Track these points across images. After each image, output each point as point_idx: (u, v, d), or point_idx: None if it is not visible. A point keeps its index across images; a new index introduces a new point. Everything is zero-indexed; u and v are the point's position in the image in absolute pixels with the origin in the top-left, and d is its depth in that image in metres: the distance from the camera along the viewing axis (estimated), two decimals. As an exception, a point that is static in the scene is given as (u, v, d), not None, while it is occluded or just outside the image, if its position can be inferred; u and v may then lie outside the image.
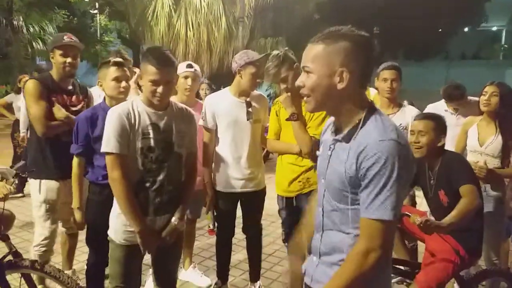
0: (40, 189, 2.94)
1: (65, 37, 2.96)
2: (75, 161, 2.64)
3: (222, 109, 3.00)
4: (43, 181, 2.95)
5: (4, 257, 2.30)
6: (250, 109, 2.96)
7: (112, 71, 2.62)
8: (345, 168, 1.35)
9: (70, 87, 3.05)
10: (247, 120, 2.96)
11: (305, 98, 1.43)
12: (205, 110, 3.06)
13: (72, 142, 2.69)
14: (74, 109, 3.02)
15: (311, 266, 1.55)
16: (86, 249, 2.96)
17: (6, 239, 2.32)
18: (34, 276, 2.52)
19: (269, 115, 3.09)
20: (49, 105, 2.90)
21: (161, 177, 2.16)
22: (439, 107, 3.54)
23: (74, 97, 3.06)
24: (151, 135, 2.13)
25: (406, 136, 2.07)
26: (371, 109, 1.39)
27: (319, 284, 1.47)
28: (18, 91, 5.80)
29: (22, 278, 2.34)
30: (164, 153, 2.16)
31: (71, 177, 2.72)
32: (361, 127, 1.36)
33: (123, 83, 2.63)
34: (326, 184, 1.46)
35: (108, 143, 2.08)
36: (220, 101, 3.04)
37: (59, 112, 2.89)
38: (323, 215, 1.49)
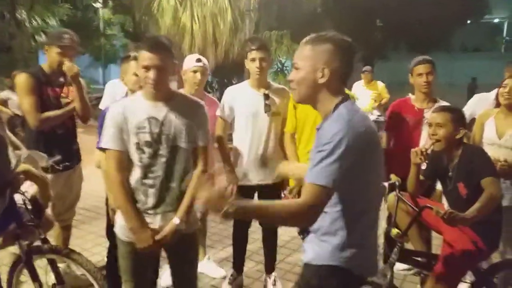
0: None
1: (65, 36, 2.94)
2: (103, 155, 2.58)
3: (240, 102, 3.02)
4: None
5: (32, 242, 2.37)
6: (267, 102, 2.97)
7: (133, 66, 2.62)
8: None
9: (61, 79, 3.07)
10: (265, 112, 2.97)
11: (293, 91, 1.66)
12: (224, 101, 3.08)
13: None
14: (66, 100, 3.05)
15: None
16: (101, 241, 2.96)
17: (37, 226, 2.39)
18: None
19: None
20: (41, 98, 2.89)
21: (160, 173, 2.09)
22: (491, 96, 3.28)
23: (65, 89, 3.07)
24: (147, 130, 2.05)
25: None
26: (343, 100, 1.58)
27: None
28: (13, 87, 5.75)
29: (49, 264, 2.43)
30: (163, 148, 2.08)
31: (64, 170, 2.69)
32: (330, 116, 1.57)
33: None
34: None
35: (103, 138, 2.11)
36: (239, 94, 3.06)
37: (73, 68, 2.91)
38: None
